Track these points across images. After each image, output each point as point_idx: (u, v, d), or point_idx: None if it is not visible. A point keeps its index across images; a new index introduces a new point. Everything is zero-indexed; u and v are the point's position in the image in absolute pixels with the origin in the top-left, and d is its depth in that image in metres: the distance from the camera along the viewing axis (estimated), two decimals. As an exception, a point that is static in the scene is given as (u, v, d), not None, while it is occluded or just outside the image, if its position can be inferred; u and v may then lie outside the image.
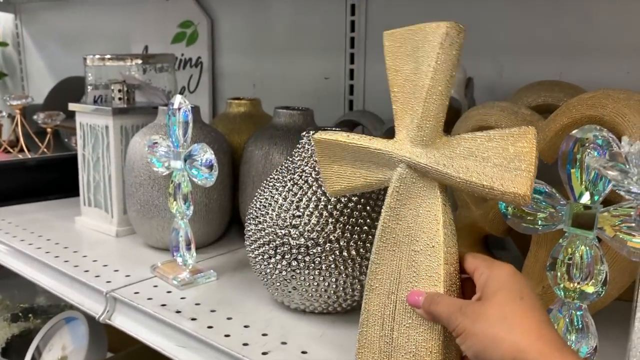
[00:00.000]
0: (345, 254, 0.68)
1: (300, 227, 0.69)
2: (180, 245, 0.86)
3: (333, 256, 0.68)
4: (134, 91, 1.09)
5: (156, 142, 0.86)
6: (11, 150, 1.45)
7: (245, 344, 0.67)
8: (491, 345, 0.44)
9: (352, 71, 1.24)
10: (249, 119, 1.11)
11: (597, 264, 0.53)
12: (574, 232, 0.53)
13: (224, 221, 1.01)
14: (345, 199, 0.70)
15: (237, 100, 1.14)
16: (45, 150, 1.41)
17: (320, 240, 0.68)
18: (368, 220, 0.70)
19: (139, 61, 1.18)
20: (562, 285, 0.54)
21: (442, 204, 0.52)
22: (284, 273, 0.70)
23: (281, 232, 0.70)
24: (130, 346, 1.29)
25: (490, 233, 0.83)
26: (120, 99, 1.07)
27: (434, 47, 0.50)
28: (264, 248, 0.72)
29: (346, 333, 0.70)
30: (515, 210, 0.58)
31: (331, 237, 0.68)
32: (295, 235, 0.69)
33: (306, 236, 0.69)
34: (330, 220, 0.69)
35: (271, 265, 0.71)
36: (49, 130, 1.42)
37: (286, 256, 0.70)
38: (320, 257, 0.68)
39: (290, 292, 0.72)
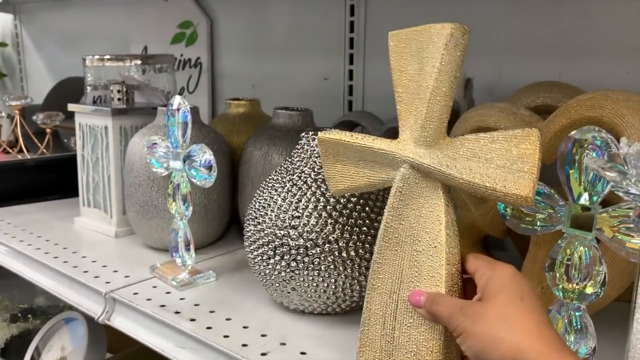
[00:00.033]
0: (344, 254, 0.68)
1: (299, 227, 0.69)
2: (180, 245, 0.86)
3: (332, 257, 0.68)
4: (133, 92, 1.09)
5: (155, 143, 0.86)
6: (10, 151, 1.45)
7: (244, 345, 0.67)
8: (491, 345, 0.45)
9: (351, 72, 1.24)
10: (248, 119, 1.11)
11: (595, 265, 0.53)
12: (573, 233, 0.53)
13: (223, 222, 1.01)
14: (344, 199, 0.70)
15: (237, 100, 1.14)
16: (44, 150, 1.41)
17: (319, 241, 0.68)
18: (367, 221, 0.70)
19: (138, 62, 1.18)
20: (561, 286, 0.54)
21: (444, 205, 0.52)
22: (283, 274, 0.70)
23: (280, 233, 0.70)
24: (129, 347, 1.29)
25: (489, 234, 0.83)
26: (119, 99, 1.07)
27: (438, 48, 0.51)
28: (263, 249, 0.72)
29: (345, 334, 0.70)
30: (514, 211, 0.58)
31: (330, 237, 0.68)
32: (294, 236, 0.69)
33: (305, 237, 0.69)
34: (329, 221, 0.69)
35: (270, 266, 0.71)
36: (48, 130, 1.41)
37: (285, 257, 0.70)
38: (319, 258, 0.68)
39: (289, 292, 0.72)
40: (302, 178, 0.72)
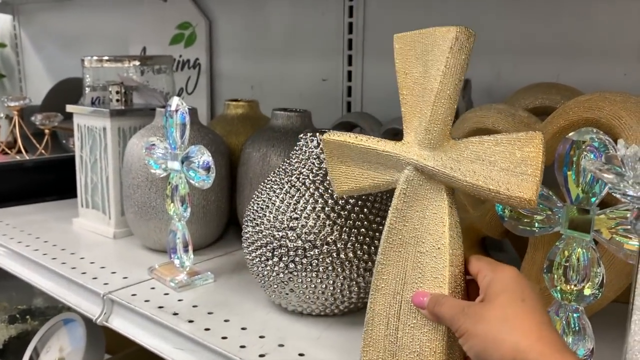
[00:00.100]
0: (342, 256, 0.68)
1: (298, 229, 0.69)
2: (178, 247, 0.86)
3: (330, 258, 0.68)
4: (131, 93, 1.09)
5: (153, 144, 0.86)
6: (9, 152, 1.45)
7: (242, 346, 0.67)
8: (492, 346, 0.45)
9: (349, 73, 1.24)
10: (246, 120, 1.11)
11: (593, 267, 0.53)
12: (571, 235, 0.53)
13: (222, 223, 1.01)
14: (343, 201, 0.70)
15: (235, 101, 1.14)
16: (43, 151, 1.41)
17: (317, 243, 0.68)
18: (365, 223, 0.70)
19: (137, 63, 1.18)
20: (559, 288, 0.54)
21: (448, 207, 0.53)
22: (281, 275, 0.70)
23: (278, 235, 0.70)
24: (127, 348, 1.29)
25: (487, 235, 0.83)
26: (118, 100, 1.07)
27: (443, 52, 0.51)
28: (261, 250, 0.72)
29: (343, 335, 0.70)
30: (512, 212, 0.58)
31: (328, 239, 0.68)
32: (293, 238, 0.69)
33: (303, 238, 0.69)
34: (327, 222, 0.69)
35: (268, 268, 0.71)
36: (46, 131, 1.42)
37: (283, 258, 0.70)
38: (318, 260, 0.68)
39: (287, 294, 0.72)
40: (300, 179, 0.72)
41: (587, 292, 0.53)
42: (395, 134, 1.02)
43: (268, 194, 0.74)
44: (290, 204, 0.70)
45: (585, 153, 0.51)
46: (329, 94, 1.27)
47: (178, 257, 0.86)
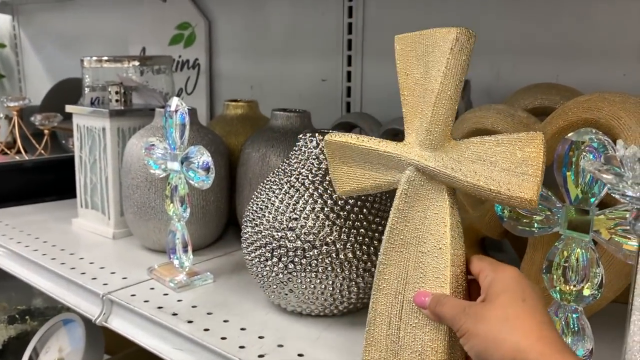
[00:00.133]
0: (341, 256, 0.68)
1: (297, 229, 0.69)
2: (177, 247, 0.86)
3: (329, 259, 0.68)
4: (131, 93, 1.09)
5: (153, 144, 0.86)
6: (8, 152, 1.45)
7: (241, 347, 0.67)
8: (493, 345, 0.45)
9: (349, 73, 1.24)
10: (246, 121, 1.11)
11: (593, 267, 0.53)
12: (570, 235, 0.53)
13: (221, 223, 1.01)
14: (342, 201, 0.70)
15: (235, 102, 1.14)
16: (42, 151, 1.41)
17: (316, 243, 0.68)
18: (364, 223, 0.70)
19: (136, 63, 1.18)
20: (558, 288, 0.54)
21: (449, 207, 0.53)
22: (280, 276, 0.70)
23: (278, 235, 0.70)
24: (127, 348, 1.29)
25: (486, 235, 0.83)
26: (117, 100, 1.07)
27: (444, 52, 0.51)
28: (260, 250, 0.72)
29: (343, 335, 0.70)
30: (512, 212, 0.58)
31: (328, 239, 0.68)
32: (292, 238, 0.69)
33: (303, 239, 0.69)
34: (326, 222, 0.69)
35: (268, 268, 0.71)
36: (46, 131, 1.42)
37: (283, 259, 0.70)
38: (317, 260, 0.68)
39: (286, 294, 0.72)
40: (299, 180, 0.72)
41: (586, 292, 0.53)
42: (395, 135, 1.02)
43: (267, 194, 0.74)
44: (289, 204, 0.70)
45: (584, 153, 0.51)
46: (328, 95, 1.27)
47: (177, 258, 0.86)
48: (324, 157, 0.73)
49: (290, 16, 1.34)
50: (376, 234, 0.70)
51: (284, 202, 0.71)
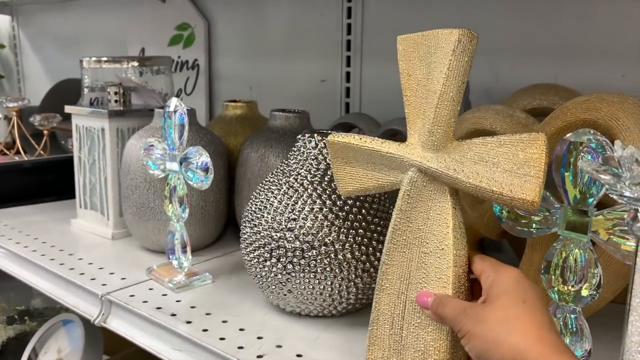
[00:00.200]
0: (340, 257, 0.68)
1: (296, 230, 0.69)
2: (176, 248, 0.86)
3: (328, 259, 0.68)
4: (130, 93, 1.09)
5: (152, 145, 0.86)
6: (7, 152, 1.45)
7: (240, 347, 0.67)
8: (493, 346, 0.45)
9: (348, 74, 1.24)
10: (245, 121, 1.11)
11: (591, 267, 0.53)
12: (568, 236, 0.54)
13: (220, 224, 1.01)
14: (341, 202, 0.70)
15: (234, 102, 1.14)
16: (41, 152, 1.41)
17: (315, 244, 0.68)
18: (363, 224, 0.70)
19: (136, 63, 1.18)
20: (556, 289, 0.54)
21: (452, 208, 0.53)
22: (279, 276, 0.70)
23: (276, 235, 0.70)
24: (125, 349, 1.29)
25: (485, 236, 0.83)
26: (116, 101, 1.07)
27: (446, 54, 0.51)
28: (259, 251, 0.72)
29: (342, 336, 0.70)
30: (510, 213, 0.58)
31: (326, 240, 0.68)
32: (291, 238, 0.69)
33: (301, 239, 0.69)
34: (325, 223, 0.69)
35: (266, 268, 0.71)
36: (45, 132, 1.42)
37: (281, 259, 0.70)
38: (316, 260, 0.68)
39: (285, 295, 0.72)
40: (298, 180, 0.72)
41: (584, 293, 0.53)
42: (394, 135, 1.02)
43: (266, 194, 0.74)
44: (288, 204, 0.71)
45: (582, 154, 0.51)
46: (327, 95, 1.27)
47: (176, 258, 0.86)
48: (322, 158, 0.73)
49: (290, 17, 1.34)
50: (375, 235, 0.70)
51: (283, 202, 0.71)
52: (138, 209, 0.95)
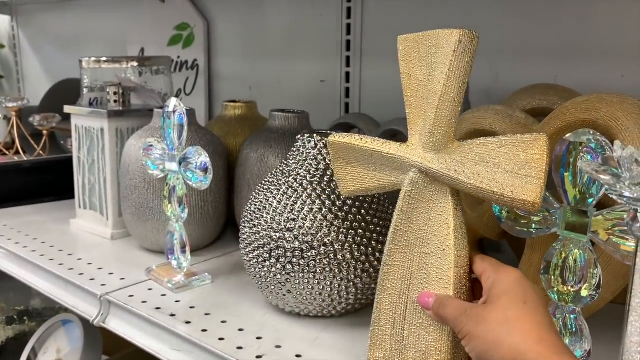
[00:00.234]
0: (339, 257, 0.68)
1: (295, 230, 0.69)
2: (175, 248, 0.86)
3: (327, 259, 0.68)
4: (129, 94, 1.09)
5: (151, 145, 0.86)
6: (7, 152, 1.44)
7: (239, 348, 0.67)
8: (493, 347, 0.45)
9: (348, 74, 1.24)
10: (244, 121, 1.11)
11: (590, 268, 0.53)
12: (568, 236, 0.53)
13: (219, 224, 1.01)
14: (340, 202, 0.70)
15: (233, 102, 1.14)
16: (40, 152, 1.41)
17: (314, 244, 0.68)
18: (363, 224, 0.70)
19: (135, 64, 1.18)
20: (556, 289, 0.54)
21: (453, 208, 0.53)
22: (278, 276, 0.70)
23: (276, 236, 0.70)
24: (125, 349, 1.29)
25: (485, 236, 0.83)
26: (115, 101, 1.07)
27: (446, 55, 0.51)
28: (258, 251, 0.72)
29: (341, 336, 0.70)
30: (510, 213, 0.58)
31: (326, 240, 0.68)
32: (290, 239, 0.69)
33: (301, 239, 0.69)
34: (324, 223, 0.69)
35: (266, 269, 0.71)
36: (44, 132, 1.41)
37: (281, 259, 0.70)
38: (315, 261, 0.68)
39: (284, 295, 0.72)
40: (297, 180, 0.72)
41: (584, 293, 0.53)
42: (394, 135, 1.02)
43: (265, 195, 0.73)
44: (287, 205, 0.70)
45: (582, 154, 0.51)
46: (326, 95, 1.27)
47: (175, 258, 0.86)
48: (322, 158, 0.73)
49: (289, 17, 1.34)
50: (374, 235, 0.70)
51: (282, 202, 0.71)
52: (137, 209, 0.95)
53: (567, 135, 0.52)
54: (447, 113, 0.52)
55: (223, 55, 1.49)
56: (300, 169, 0.73)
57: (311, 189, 0.71)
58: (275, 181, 0.74)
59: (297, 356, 0.66)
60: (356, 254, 0.69)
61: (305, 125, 0.98)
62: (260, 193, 0.75)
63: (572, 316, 0.55)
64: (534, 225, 0.56)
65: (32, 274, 0.97)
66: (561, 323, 0.55)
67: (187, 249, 0.86)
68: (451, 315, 0.50)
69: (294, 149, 0.75)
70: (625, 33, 0.89)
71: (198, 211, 0.95)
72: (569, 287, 0.54)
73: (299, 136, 0.75)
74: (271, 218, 0.71)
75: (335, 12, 1.23)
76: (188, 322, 0.73)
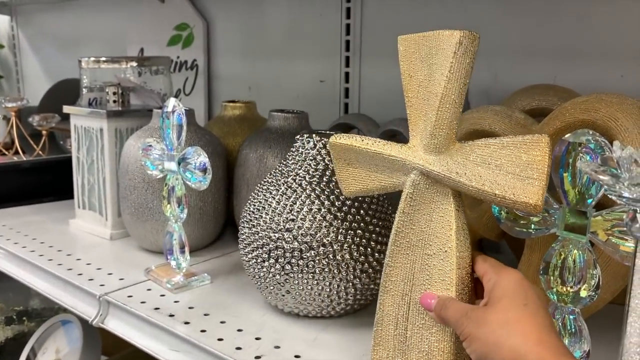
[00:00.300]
0: (338, 257, 0.68)
1: (294, 230, 0.69)
2: (174, 248, 0.86)
3: (326, 260, 0.68)
4: (128, 94, 1.09)
5: (150, 145, 0.85)
6: (6, 153, 1.44)
7: (238, 348, 0.67)
8: (493, 349, 0.46)
9: (347, 74, 1.24)
10: (244, 121, 1.11)
11: (590, 268, 0.53)
12: (567, 237, 0.53)
13: (219, 224, 1.01)
14: (339, 202, 0.70)
15: (232, 103, 1.14)
16: (40, 152, 1.41)
17: (313, 244, 0.68)
18: (362, 224, 0.70)
19: (134, 64, 1.18)
20: (555, 290, 0.54)
21: (455, 210, 0.53)
22: (277, 277, 0.70)
23: (275, 236, 0.70)
24: (124, 349, 1.29)
25: (484, 237, 0.83)
26: (115, 101, 1.07)
27: (447, 56, 0.51)
28: (257, 252, 0.72)
29: (340, 337, 0.70)
30: (509, 214, 0.58)
31: (325, 240, 0.68)
32: (289, 239, 0.69)
33: (300, 240, 0.69)
34: (324, 224, 0.68)
35: (265, 269, 0.71)
36: (44, 132, 1.41)
37: (280, 260, 0.70)
38: (314, 261, 0.68)
39: (283, 295, 0.72)
40: (296, 181, 0.72)
41: (583, 293, 0.53)
42: (393, 136, 1.02)
43: (264, 195, 0.73)
44: (286, 205, 0.70)
45: (581, 155, 0.51)
46: (326, 96, 1.27)
47: (174, 259, 0.86)
48: (321, 158, 0.73)
49: (289, 17, 1.34)
50: (374, 235, 0.70)
51: (281, 203, 0.71)
52: (136, 210, 0.95)
53: (566, 136, 0.52)
54: (448, 115, 0.52)
55: (222, 56, 1.49)
56: (300, 169, 0.73)
57: (310, 189, 0.71)
58: (275, 181, 0.74)
59: (296, 356, 0.66)
60: (355, 254, 0.69)
61: (304, 125, 0.98)
62: (259, 193, 0.75)
63: (571, 317, 0.55)
64: (533, 226, 0.56)
65: (31, 274, 0.97)
66: (560, 324, 0.55)
67: (186, 249, 0.85)
68: (452, 317, 0.50)
69: (293, 149, 0.75)
70: (625, 33, 0.89)
71: (197, 211, 0.95)
72: (568, 288, 0.54)
73: (298, 136, 0.75)
74: (270, 218, 0.71)
75: (335, 13, 1.23)
76: (187, 323, 0.73)
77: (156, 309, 0.77)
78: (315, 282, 0.69)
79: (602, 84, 0.91)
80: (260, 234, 0.71)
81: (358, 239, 0.69)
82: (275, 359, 0.65)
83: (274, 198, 0.72)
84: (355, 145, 0.59)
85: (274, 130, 0.97)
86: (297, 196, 0.70)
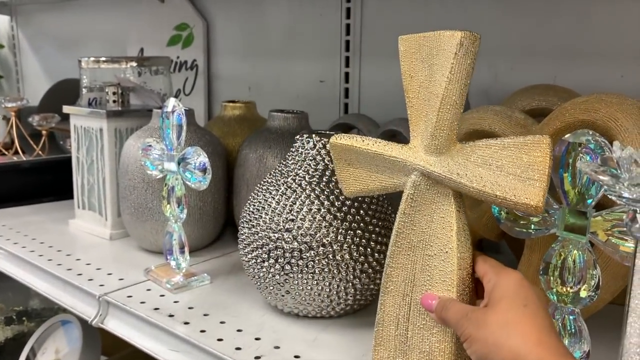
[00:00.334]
0: (338, 257, 0.68)
1: (294, 230, 0.69)
2: (174, 248, 0.86)
3: (326, 260, 0.68)
4: (128, 94, 1.09)
5: (150, 145, 0.85)
6: (6, 153, 1.44)
7: (238, 348, 0.67)
8: (493, 350, 0.46)
9: (347, 74, 1.24)
10: (243, 122, 1.11)
11: (589, 268, 0.53)
12: (567, 237, 0.53)
13: (218, 224, 1.01)
14: (339, 202, 0.70)
15: (232, 103, 1.13)
16: (40, 152, 1.41)
17: (313, 244, 0.68)
18: (362, 224, 0.69)
19: (134, 64, 1.18)
20: (555, 290, 0.54)
21: (456, 211, 0.53)
22: (277, 277, 0.70)
23: (274, 236, 0.70)
24: (123, 350, 1.28)
25: (484, 237, 0.83)
26: (114, 101, 1.07)
27: (448, 57, 0.50)
28: (257, 252, 0.72)
29: (339, 337, 0.70)
30: (509, 214, 0.58)
31: (324, 241, 0.68)
32: (289, 239, 0.69)
33: (299, 240, 0.68)
34: (323, 224, 0.68)
35: (264, 269, 0.71)
36: (43, 132, 1.41)
37: (279, 260, 0.70)
38: (314, 261, 0.68)
39: (283, 296, 0.72)
40: (296, 181, 0.72)
41: (583, 294, 0.53)
42: (393, 136, 1.02)
43: (264, 195, 0.73)
44: (286, 205, 0.70)
45: (581, 155, 0.51)
46: (326, 96, 1.27)
47: (174, 259, 0.86)
48: (321, 158, 0.72)
49: (289, 17, 1.34)
50: (373, 236, 0.70)
51: (281, 203, 0.71)
52: (136, 210, 0.95)
53: (566, 136, 0.52)
54: (448, 116, 0.52)
55: (222, 56, 1.49)
56: (299, 170, 0.73)
57: (310, 189, 0.71)
58: (274, 181, 0.74)
59: (296, 357, 0.65)
60: (355, 254, 0.69)
61: (304, 125, 0.98)
62: (259, 193, 0.75)
63: (571, 317, 0.55)
64: (532, 226, 0.56)
65: (30, 274, 0.97)
66: (560, 324, 0.55)
67: (186, 249, 0.85)
68: (453, 319, 0.50)
69: (293, 150, 0.75)
70: (625, 33, 0.89)
71: (197, 211, 0.95)
72: (568, 288, 0.53)
73: (297, 136, 0.75)
74: (270, 218, 0.71)
75: (335, 13, 1.23)
76: (187, 323, 0.73)
77: (156, 309, 0.77)
78: (315, 282, 0.69)
79: (602, 84, 0.91)
80: (260, 234, 0.71)
81: (358, 239, 0.69)
82: (275, 359, 0.65)
83: (274, 198, 0.72)
84: (356, 146, 0.59)
85: (273, 130, 0.97)
86: (297, 196, 0.70)
